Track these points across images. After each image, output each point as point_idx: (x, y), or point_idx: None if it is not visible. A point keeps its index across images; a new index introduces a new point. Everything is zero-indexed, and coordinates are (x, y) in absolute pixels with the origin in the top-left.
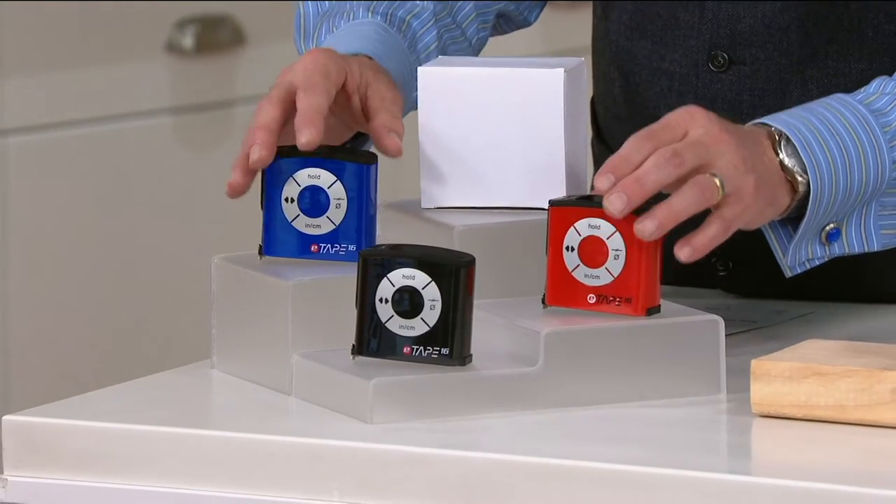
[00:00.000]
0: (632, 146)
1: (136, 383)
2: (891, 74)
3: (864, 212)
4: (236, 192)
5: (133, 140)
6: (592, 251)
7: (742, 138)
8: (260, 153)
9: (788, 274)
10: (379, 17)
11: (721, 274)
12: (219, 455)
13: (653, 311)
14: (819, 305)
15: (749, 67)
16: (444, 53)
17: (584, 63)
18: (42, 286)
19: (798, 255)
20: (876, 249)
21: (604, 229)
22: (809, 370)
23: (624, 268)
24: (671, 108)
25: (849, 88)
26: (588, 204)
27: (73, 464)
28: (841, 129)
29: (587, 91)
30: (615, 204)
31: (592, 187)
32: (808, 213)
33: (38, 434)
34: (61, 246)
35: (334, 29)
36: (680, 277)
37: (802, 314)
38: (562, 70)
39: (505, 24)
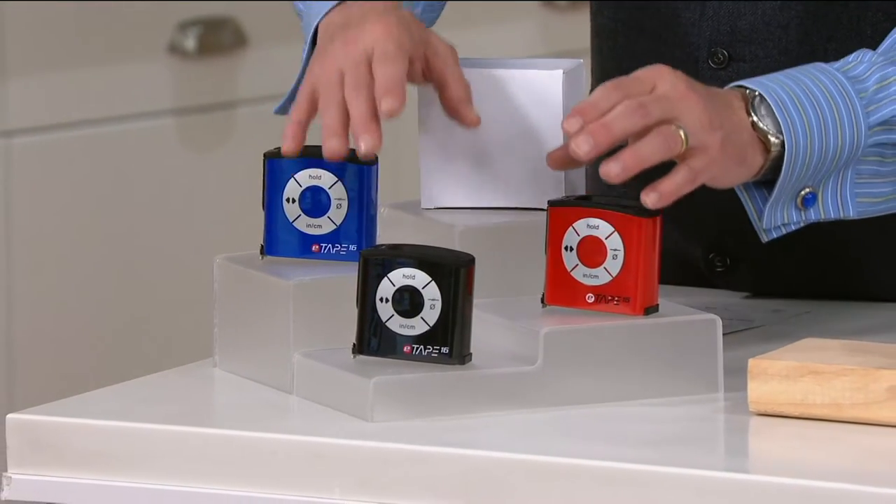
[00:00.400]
0: (600, 94)
1: (139, 382)
2: None
3: (840, 177)
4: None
5: (136, 141)
6: (591, 251)
7: (710, 97)
8: (391, 104)
9: (764, 238)
10: None
11: (719, 271)
12: (221, 453)
13: (651, 310)
14: (815, 305)
15: (749, 65)
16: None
17: (583, 64)
18: (45, 286)
19: (773, 218)
20: (852, 217)
21: (602, 229)
22: (806, 369)
23: (622, 267)
24: None
25: None
26: (587, 204)
27: (77, 462)
28: (817, 91)
29: (586, 92)
30: (582, 146)
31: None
32: (782, 172)
33: (42, 432)
34: (64, 246)
35: None
36: (678, 275)
37: (799, 313)
38: (561, 71)
39: None
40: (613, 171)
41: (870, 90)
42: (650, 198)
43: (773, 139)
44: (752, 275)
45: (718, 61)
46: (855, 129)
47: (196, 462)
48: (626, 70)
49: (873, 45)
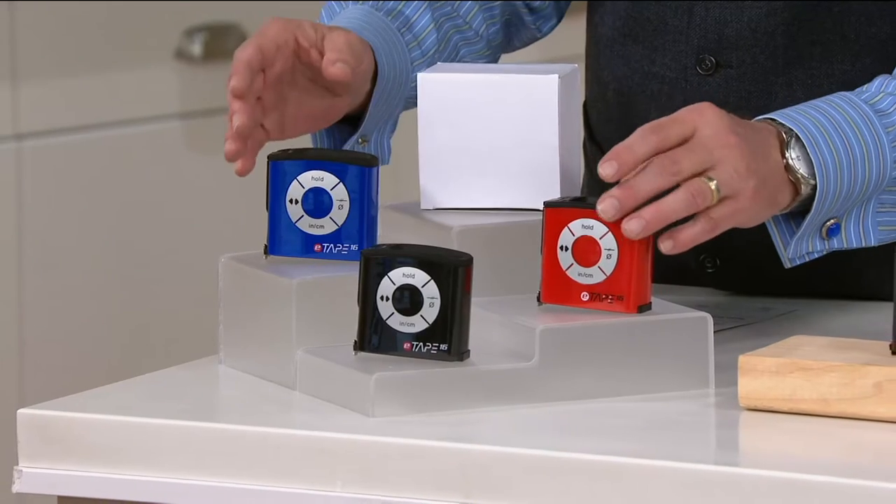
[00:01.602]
0: (638, 137)
1: (147, 378)
2: (872, 75)
3: (863, 208)
4: (234, 157)
5: (143, 143)
6: (586, 251)
7: (749, 140)
8: (239, 120)
9: (788, 265)
10: (367, 5)
11: (709, 271)
12: (226, 447)
13: (644, 308)
14: (803, 303)
15: (735, 70)
16: (449, 42)
17: (578, 69)
18: (56, 285)
19: (799, 248)
20: (873, 244)
21: (597, 229)
22: (794, 365)
23: (616, 267)
24: (661, 109)
25: (832, 89)
26: (581, 205)
27: (86, 455)
28: (847, 128)
29: (580, 96)
30: (608, 211)
31: (584, 188)
32: (812, 210)
33: (52, 427)
34: (75, 246)
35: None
36: (669, 274)
37: (787, 312)
38: (556, 76)
39: (515, 32)
40: (635, 228)
41: (895, 124)
42: (665, 245)
43: (804, 182)
44: (742, 275)
45: (706, 67)
46: (881, 163)
47: (201, 456)
48: (619, 77)
49: (857, 49)
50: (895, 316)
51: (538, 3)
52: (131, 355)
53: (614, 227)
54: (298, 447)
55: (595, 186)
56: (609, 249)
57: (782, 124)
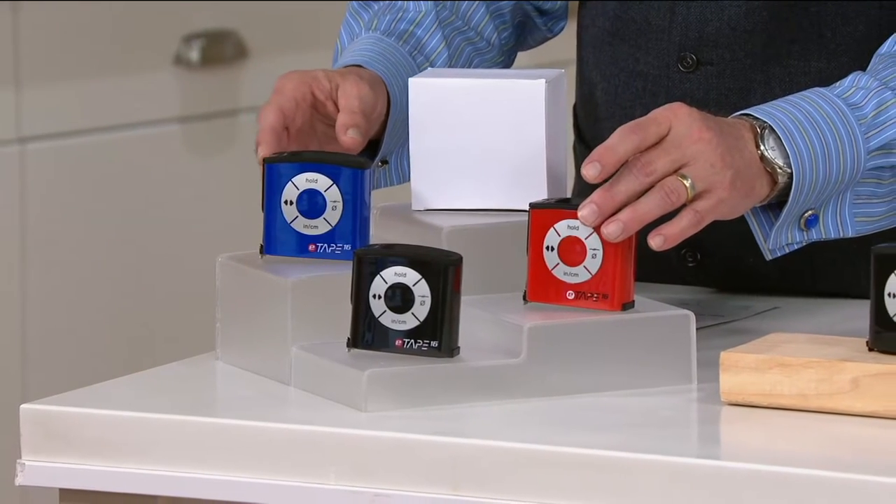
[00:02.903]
0: (618, 137)
1: (146, 374)
2: (849, 73)
3: (839, 200)
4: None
5: (143, 147)
6: (571, 250)
7: (722, 134)
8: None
9: (769, 257)
10: (378, 32)
11: (690, 265)
12: (222, 441)
13: (628, 306)
14: (783, 301)
15: (716, 68)
16: (461, 56)
17: (565, 74)
18: (57, 284)
19: (779, 239)
20: (850, 235)
21: (582, 230)
22: (774, 361)
23: (601, 266)
24: (646, 107)
25: (810, 87)
26: (567, 206)
27: (87, 449)
28: (820, 120)
29: (567, 100)
30: (588, 217)
31: (574, 189)
32: (790, 200)
33: (54, 421)
34: (76, 246)
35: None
36: (650, 268)
37: (767, 309)
38: (543, 81)
39: (529, 33)
40: (613, 232)
41: (868, 116)
42: (655, 241)
43: (779, 170)
44: (723, 270)
45: (687, 65)
46: (855, 154)
47: (199, 449)
48: (607, 77)
49: (833, 48)
50: (871, 313)
51: (549, 4)
52: (131, 352)
53: (599, 228)
54: (293, 441)
55: (585, 187)
56: (594, 249)
57: (756, 118)
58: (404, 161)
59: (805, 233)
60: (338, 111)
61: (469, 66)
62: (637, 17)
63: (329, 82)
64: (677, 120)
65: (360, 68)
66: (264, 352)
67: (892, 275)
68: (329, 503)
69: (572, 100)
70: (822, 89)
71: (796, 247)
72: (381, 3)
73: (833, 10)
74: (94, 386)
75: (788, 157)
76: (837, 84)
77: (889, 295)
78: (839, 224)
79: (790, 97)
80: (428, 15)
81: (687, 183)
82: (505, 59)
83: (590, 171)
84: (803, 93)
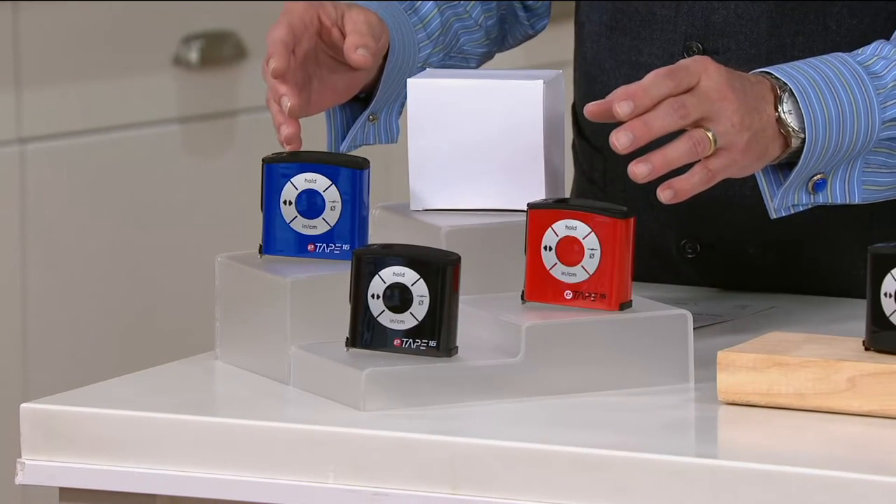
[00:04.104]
0: (652, 80)
1: (146, 373)
2: None
3: (850, 166)
4: (292, 141)
5: (143, 147)
6: (569, 250)
7: (745, 94)
8: (290, 101)
9: (773, 216)
10: None
11: (689, 257)
12: (221, 440)
13: (625, 305)
14: (780, 300)
15: (721, 57)
16: (450, 29)
17: (562, 75)
18: (58, 283)
19: (785, 199)
20: (857, 202)
21: (580, 230)
22: (771, 361)
23: (598, 266)
24: None
25: None
26: (565, 206)
27: (87, 448)
28: (838, 84)
29: (564, 101)
30: (622, 140)
31: (573, 187)
32: (800, 162)
33: (54, 421)
34: (76, 246)
35: None
36: (650, 262)
37: (765, 308)
38: (541, 82)
39: (510, 29)
40: (642, 171)
41: (888, 86)
42: (665, 194)
43: (794, 135)
44: (722, 262)
45: (693, 54)
46: (870, 123)
47: (198, 448)
48: (607, 70)
49: (838, 39)
50: (868, 313)
51: (533, 2)
52: (131, 351)
53: (597, 227)
54: (292, 440)
55: (585, 184)
56: (592, 249)
57: (777, 78)
58: (393, 119)
59: (812, 196)
60: (343, 38)
61: (456, 42)
62: (641, 8)
63: (335, 10)
64: (706, 74)
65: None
66: (263, 351)
67: (889, 275)
68: (328, 502)
69: (570, 99)
70: (844, 55)
71: (801, 209)
72: None
73: (838, 3)
74: (93, 385)
75: (804, 122)
76: (860, 51)
77: (885, 295)
78: (846, 190)
79: (812, 59)
80: None
81: (710, 136)
82: (489, 46)
83: (623, 108)
84: (825, 56)
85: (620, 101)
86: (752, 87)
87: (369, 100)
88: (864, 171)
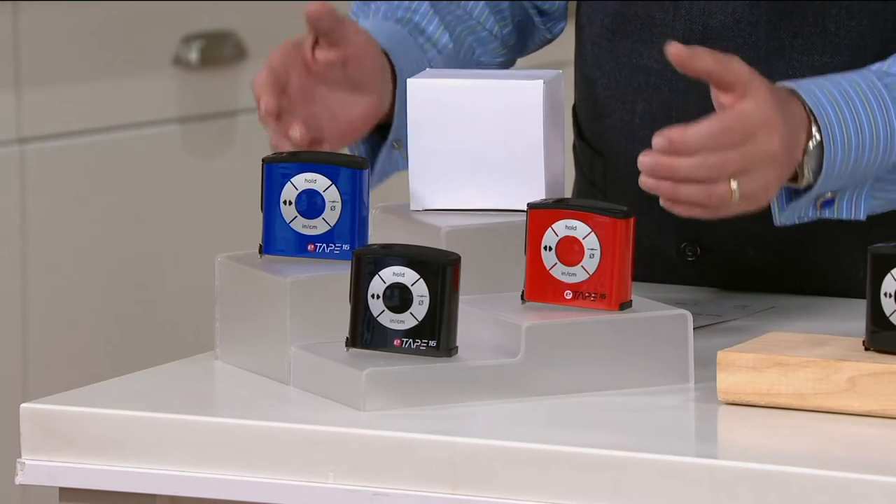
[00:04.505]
0: (704, 136)
1: (146, 373)
2: (851, 68)
3: (859, 188)
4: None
5: (143, 147)
6: (569, 250)
7: (787, 153)
8: (297, 133)
9: (778, 224)
10: (379, 15)
11: (689, 259)
12: (221, 440)
13: (625, 305)
14: (780, 300)
15: None
16: (463, 44)
17: (562, 75)
18: (58, 284)
19: (792, 216)
20: (861, 219)
21: (580, 230)
22: (771, 361)
23: (598, 266)
24: (647, 101)
25: None
26: (565, 206)
27: (87, 448)
28: (866, 127)
29: (565, 101)
30: (645, 169)
31: (574, 187)
32: (813, 191)
33: (54, 420)
34: (76, 245)
35: None
36: (650, 265)
37: (764, 309)
38: (541, 82)
39: (529, 34)
40: (648, 187)
41: None
42: (665, 203)
43: (807, 178)
44: (722, 264)
45: None
46: (887, 152)
47: (198, 448)
48: (607, 73)
49: (837, 41)
50: (868, 313)
51: (548, 4)
52: (131, 351)
53: (597, 227)
54: (291, 440)
55: (585, 186)
56: (592, 249)
57: (814, 118)
58: None
59: (819, 211)
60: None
61: (472, 55)
62: (641, 11)
63: (312, 37)
64: (763, 131)
65: None
66: (263, 351)
67: (889, 275)
68: (328, 502)
69: (570, 100)
70: (878, 82)
71: (807, 220)
72: (380, 1)
73: (837, 4)
74: (93, 385)
75: (821, 166)
76: (890, 71)
77: (885, 294)
78: (853, 208)
79: (845, 84)
80: (422, 4)
81: (734, 187)
82: (508, 55)
83: (660, 143)
84: (858, 81)
85: (661, 136)
86: (791, 136)
87: (388, 128)
88: (872, 187)
